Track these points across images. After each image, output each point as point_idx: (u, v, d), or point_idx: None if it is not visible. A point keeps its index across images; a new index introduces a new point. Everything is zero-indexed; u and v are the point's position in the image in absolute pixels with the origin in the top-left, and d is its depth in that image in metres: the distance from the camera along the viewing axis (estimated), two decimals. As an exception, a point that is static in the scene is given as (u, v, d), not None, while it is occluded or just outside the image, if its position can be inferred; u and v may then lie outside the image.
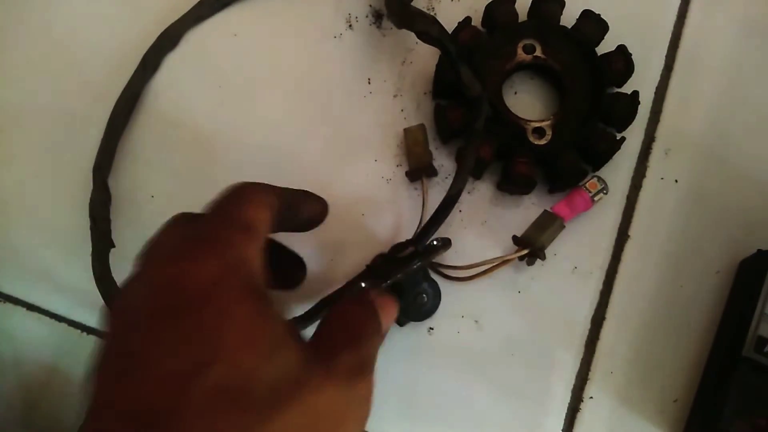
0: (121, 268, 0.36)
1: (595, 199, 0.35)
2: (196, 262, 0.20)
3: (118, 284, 0.35)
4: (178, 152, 0.39)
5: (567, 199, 0.35)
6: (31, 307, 0.37)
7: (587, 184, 0.35)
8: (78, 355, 0.37)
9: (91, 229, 0.36)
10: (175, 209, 0.38)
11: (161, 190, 0.38)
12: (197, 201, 0.38)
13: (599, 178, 0.35)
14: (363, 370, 0.22)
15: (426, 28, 0.33)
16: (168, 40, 0.39)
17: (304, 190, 0.27)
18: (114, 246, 0.36)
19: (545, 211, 0.34)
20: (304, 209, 0.27)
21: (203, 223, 0.22)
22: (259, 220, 0.23)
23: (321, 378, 0.20)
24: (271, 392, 0.19)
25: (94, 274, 0.35)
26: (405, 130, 0.36)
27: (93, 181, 0.37)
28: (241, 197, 0.24)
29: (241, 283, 0.20)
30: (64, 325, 0.37)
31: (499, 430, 0.34)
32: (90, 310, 0.37)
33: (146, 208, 0.38)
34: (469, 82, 0.33)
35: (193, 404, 0.18)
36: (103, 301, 0.34)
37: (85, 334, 0.37)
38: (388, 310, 0.25)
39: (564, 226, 0.34)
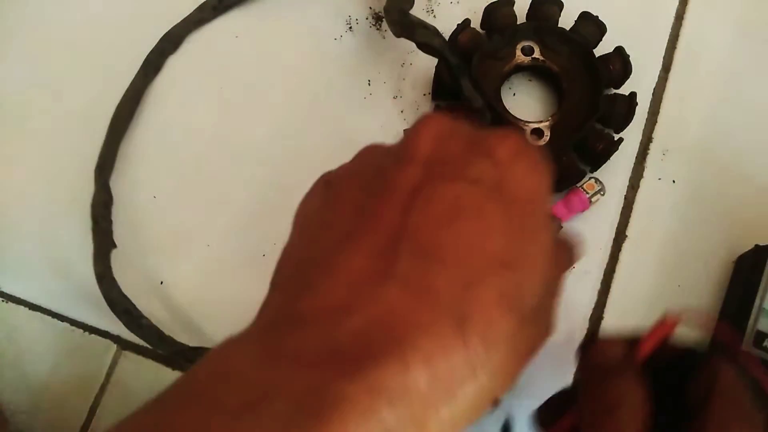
0: (123, 269, 0.36)
1: (593, 199, 0.35)
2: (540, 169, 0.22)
3: (119, 284, 0.35)
4: (179, 153, 0.39)
5: (564, 200, 0.35)
6: (33, 307, 0.38)
7: (585, 185, 0.35)
8: (80, 354, 0.37)
9: (93, 229, 0.36)
10: (177, 210, 0.38)
11: (163, 191, 0.38)
12: (199, 202, 0.38)
13: (597, 179, 0.35)
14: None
15: (427, 39, 0.34)
16: (170, 42, 0.40)
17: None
18: (115, 246, 0.36)
19: None
20: None
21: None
22: None
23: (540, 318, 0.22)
24: (530, 312, 0.20)
25: (95, 273, 0.35)
26: (405, 131, 0.37)
27: (95, 182, 0.37)
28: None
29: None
30: (66, 325, 0.37)
31: (498, 429, 0.34)
32: (92, 309, 0.37)
33: (148, 209, 0.38)
34: (471, 95, 0.34)
35: (485, 286, 0.19)
36: (104, 300, 0.35)
37: (87, 333, 0.37)
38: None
39: (561, 226, 0.34)
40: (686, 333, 0.25)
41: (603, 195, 0.35)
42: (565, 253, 0.26)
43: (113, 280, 0.35)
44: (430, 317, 0.19)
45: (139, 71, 0.39)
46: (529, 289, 0.20)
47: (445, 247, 0.20)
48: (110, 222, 0.37)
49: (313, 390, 0.17)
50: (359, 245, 0.20)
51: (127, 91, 0.39)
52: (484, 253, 0.20)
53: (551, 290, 0.22)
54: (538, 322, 0.22)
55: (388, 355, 0.18)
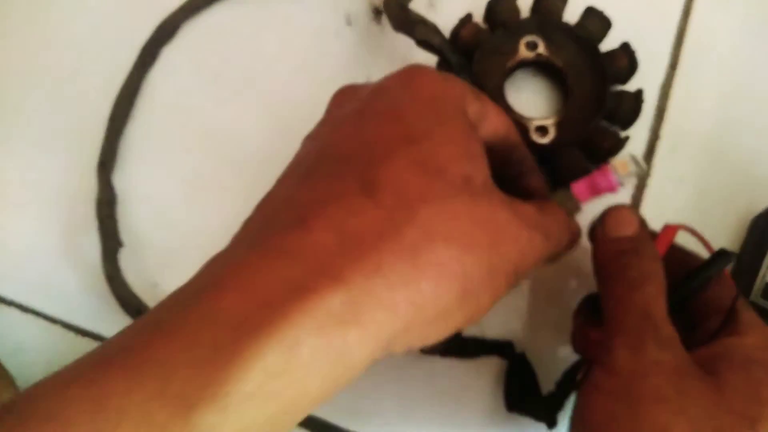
0: (133, 266, 0.36)
1: (623, 182, 0.29)
2: (452, 85, 0.25)
3: (129, 284, 0.35)
4: (178, 144, 0.38)
5: (589, 178, 0.30)
6: (25, 309, 0.37)
7: (616, 163, 0.29)
8: (73, 357, 0.36)
9: (99, 229, 0.36)
10: (181, 202, 0.38)
11: (165, 182, 0.38)
12: (200, 192, 0.37)
13: (634, 158, 0.29)
14: (538, 230, 0.24)
15: (427, 37, 0.33)
16: (165, 31, 0.39)
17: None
18: (123, 245, 0.36)
19: (561, 189, 0.30)
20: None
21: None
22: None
23: (499, 201, 0.23)
24: (461, 179, 0.22)
25: (105, 274, 0.35)
26: None
27: (98, 180, 0.36)
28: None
29: (464, 114, 0.24)
30: (58, 328, 0.37)
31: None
32: (85, 312, 0.36)
33: (152, 202, 0.38)
34: None
35: (391, 159, 0.21)
36: (116, 301, 0.34)
37: (80, 336, 0.36)
38: (576, 237, 0.28)
39: (580, 209, 0.30)
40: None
41: (639, 178, 0.29)
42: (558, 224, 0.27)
43: (123, 280, 0.35)
44: (333, 190, 0.21)
45: (136, 62, 0.38)
46: (446, 156, 0.22)
47: (350, 144, 0.22)
48: (115, 221, 0.36)
49: (217, 263, 0.20)
50: (290, 168, 0.25)
51: (125, 84, 0.38)
52: (387, 137, 0.22)
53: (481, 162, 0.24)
54: (490, 197, 0.23)
55: (290, 224, 0.20)
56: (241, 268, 0.19)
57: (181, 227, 0.37)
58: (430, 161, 0.21)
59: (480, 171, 0.23)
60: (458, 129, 0.23)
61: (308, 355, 0.18)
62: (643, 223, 0.27)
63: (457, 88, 0.25)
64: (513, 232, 0.23)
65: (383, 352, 0.20)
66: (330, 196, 0.21)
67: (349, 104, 0.25)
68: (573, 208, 0.29)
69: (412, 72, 0.25)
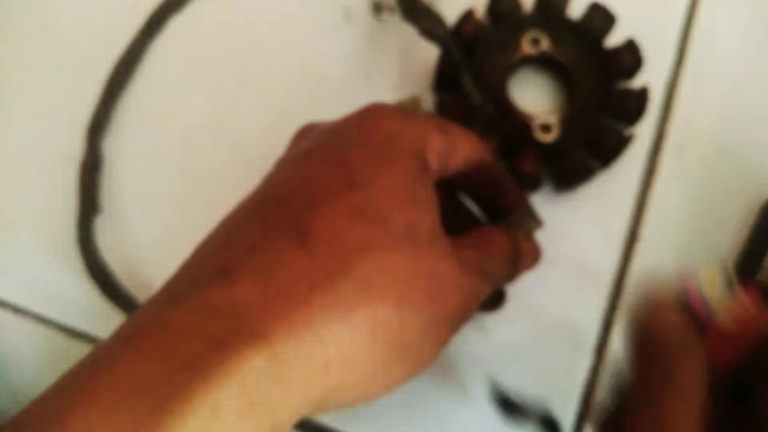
0: (109, 234, 0.36)
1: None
2: (409, 125, 0.24)
3: (100, 250, 0.35)
4: (177, 118, 0.38)
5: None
6: (17, 310, 0.36)
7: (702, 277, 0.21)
8: (66, 359, 0.35)
9: (79, 193, 0.35)
10: (173, 176, 0.37)
11: (159, 155, 0.37)
12: (195, 167, 0.37)
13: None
14: (480, 274, 0.23)
15: (432, 27, 0.33)
16: (175, 1, 0.38)
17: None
18: (100, 211, 0.35)
19: (521, 207, 0.29)
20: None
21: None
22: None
23: (443, 250, 0.22)
24: (405, 227, 0.21)
25: (77, 236, 0.35)
26: (399, 102, 0.36)
27: (87, 144, 0.36)
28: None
29: (419, 155, 0.23)
30: (52, 329, 0.36)
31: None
32: (79, 314, 0.36)
33: (143, 174, 0.37)
34: (470, 90, 0.33)
35: (329, 204, 0.20)
36: (84, 266, 0.34)
37: (73, 338, 0.36)
38: (529, 258, 0.28)
39: (541, 225, 0.30)
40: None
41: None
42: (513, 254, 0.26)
43: (94, 245, 0.35)
44: (264, 237, 0.20)
45: (141, 29, 0.38)
46: (389, 203, 0.21)
47: (291, 185, 0.22)
48: (97, 186, 0.36)
49: (142, 318, 0.19)
50: (233, 210, 0.23)
51: (128, 48, 0.38)
52: (329, 181, 0.21)
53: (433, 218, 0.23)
54: (434, 247, 0.22)
55: (214, 276, 0.19)
56: (160, 327, 0.18)
57: (166, 200, 0.37)
58: (371, 208, 0.21)
59: (426, 218, 0.22)
60: (406, 172, 0.22)
61: (231, 417, 0.17)
62: (686, 320, 0.20)
63: (417, 125, 0.24)
64: (455, 281, 0.22)
65: (314, 410, 0.20)
66: (259, 244, 0.20)
67: (304, 143, 0.25)
68: (534, 225, 0.30)
69: (369, 112, 0.24)
